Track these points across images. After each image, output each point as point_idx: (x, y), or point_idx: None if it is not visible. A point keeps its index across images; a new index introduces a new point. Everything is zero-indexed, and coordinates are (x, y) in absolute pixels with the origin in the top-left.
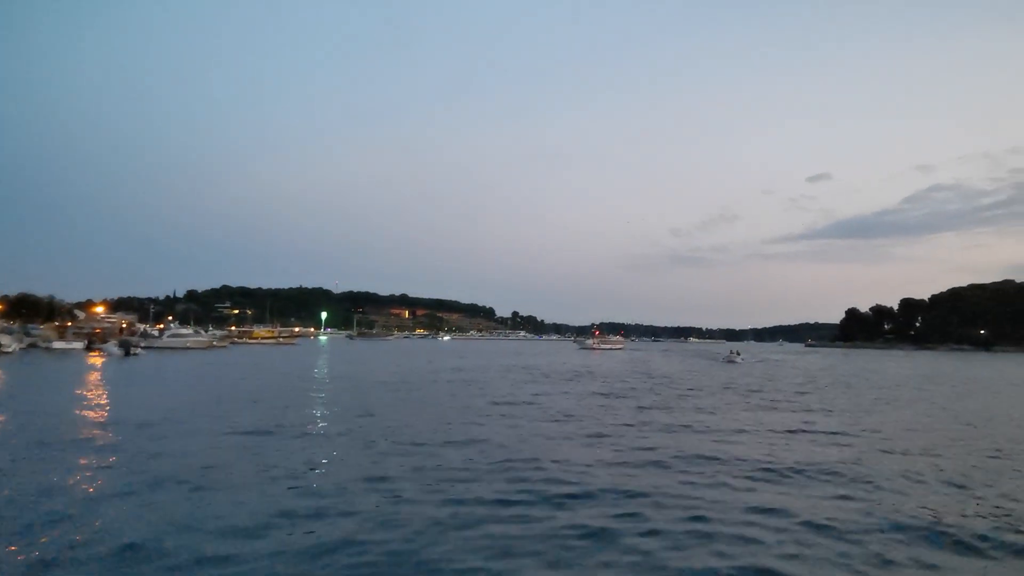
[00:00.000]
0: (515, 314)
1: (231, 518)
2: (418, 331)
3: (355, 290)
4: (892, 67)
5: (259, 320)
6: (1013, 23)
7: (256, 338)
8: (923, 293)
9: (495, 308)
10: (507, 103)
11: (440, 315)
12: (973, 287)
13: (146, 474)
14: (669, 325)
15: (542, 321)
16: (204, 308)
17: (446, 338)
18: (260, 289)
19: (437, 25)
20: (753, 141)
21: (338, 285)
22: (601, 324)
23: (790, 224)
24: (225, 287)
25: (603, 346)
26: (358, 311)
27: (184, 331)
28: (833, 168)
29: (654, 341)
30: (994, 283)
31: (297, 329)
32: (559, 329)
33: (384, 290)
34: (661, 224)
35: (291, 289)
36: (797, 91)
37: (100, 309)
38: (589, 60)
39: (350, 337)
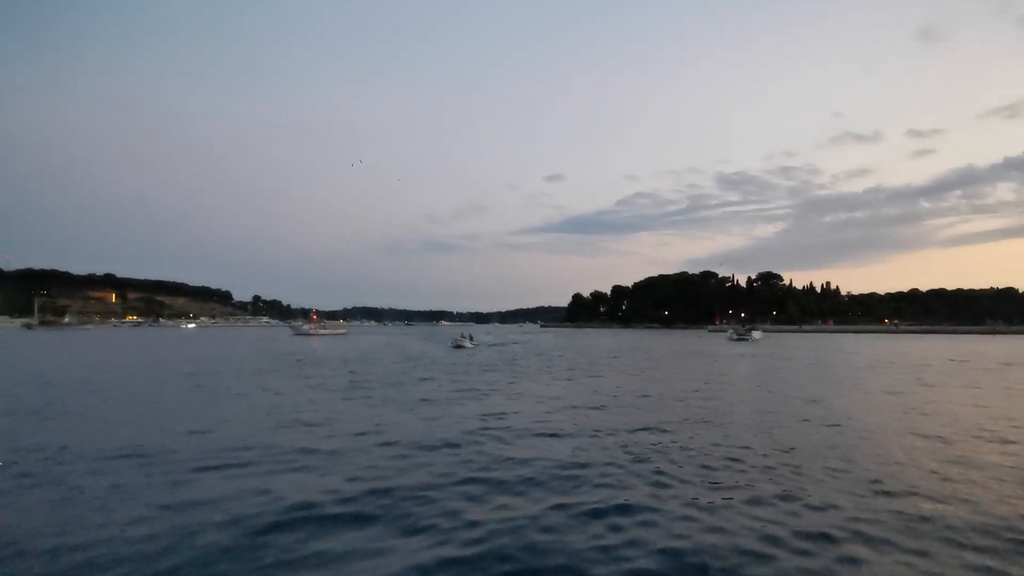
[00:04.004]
0: (256, 298)
1: None
2: (130, 318)
3: (37, 267)
4: (610, 86)
5: None
6: (704, 67)
7: None
8: (628, 281)
9: (232, 291)
10: (248, 64)
11: (160, 299)
12: (661, 277)
13: None
14: (423, 309)
15: (288, 306)
16: None
17: (190, 326)
18: None
19: None
20: (500, 139)
21: (9, 261)
22: (355, 308)
23: (530, 218)
24: None
25: (321, 332)
26: (41, 294)
27: None
28: (566, 170)
29: (407, 325)
30: (674, 275)
31: None
32: (308, 314)
33: (82, 268)
34: (417, 210)
35: None
36: (537, 97)
37: None
38: (350, 36)
39: (28, 327)
